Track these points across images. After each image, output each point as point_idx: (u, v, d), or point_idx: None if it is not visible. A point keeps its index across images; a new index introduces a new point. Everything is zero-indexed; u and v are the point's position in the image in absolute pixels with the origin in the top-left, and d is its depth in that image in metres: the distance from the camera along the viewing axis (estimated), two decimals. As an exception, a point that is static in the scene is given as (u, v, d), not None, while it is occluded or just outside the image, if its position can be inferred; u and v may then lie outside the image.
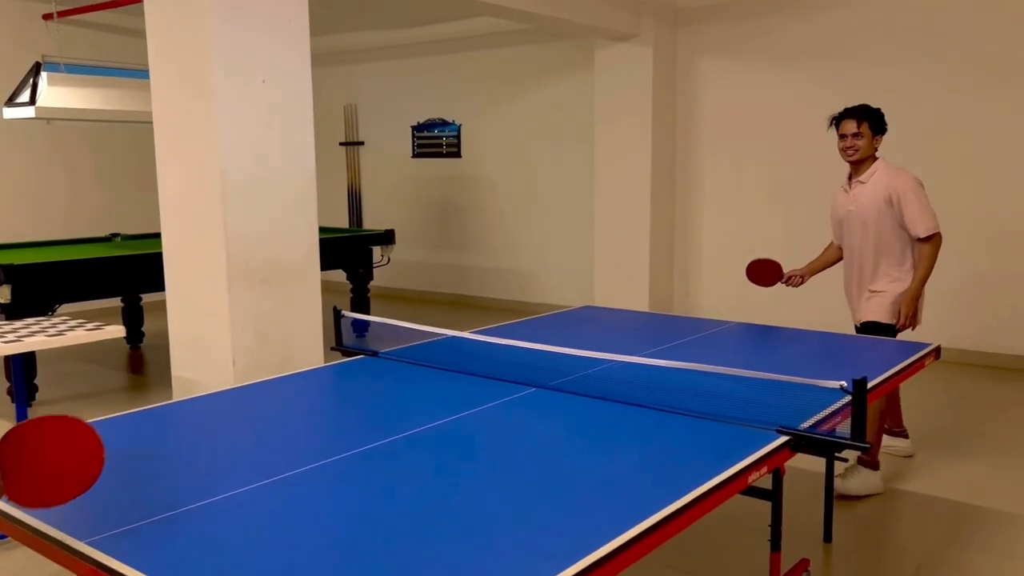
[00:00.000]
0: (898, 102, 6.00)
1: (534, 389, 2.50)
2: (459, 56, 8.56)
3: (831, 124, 3.82)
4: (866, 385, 2.07)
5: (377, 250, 6.83)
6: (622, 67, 6.95)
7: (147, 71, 4.05)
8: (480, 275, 8.76)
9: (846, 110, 3.78)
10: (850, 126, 3.72)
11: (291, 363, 3.96)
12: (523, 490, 1.76)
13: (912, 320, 3.70)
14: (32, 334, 3.71)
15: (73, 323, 3.99)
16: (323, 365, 2.86)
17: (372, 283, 6.88)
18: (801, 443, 2.08)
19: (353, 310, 6.28)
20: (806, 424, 2.14)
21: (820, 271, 4.06)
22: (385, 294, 8.97)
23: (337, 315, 3.01)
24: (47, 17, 7.17)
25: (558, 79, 7.92)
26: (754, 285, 4.02)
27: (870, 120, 3.72)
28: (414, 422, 2.20)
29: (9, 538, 3.02)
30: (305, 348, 4.20)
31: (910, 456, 4.06)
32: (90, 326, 3.90)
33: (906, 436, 4.09)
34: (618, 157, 7.07)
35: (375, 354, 2.95)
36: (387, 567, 1.42)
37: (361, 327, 6.23)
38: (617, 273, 7.17)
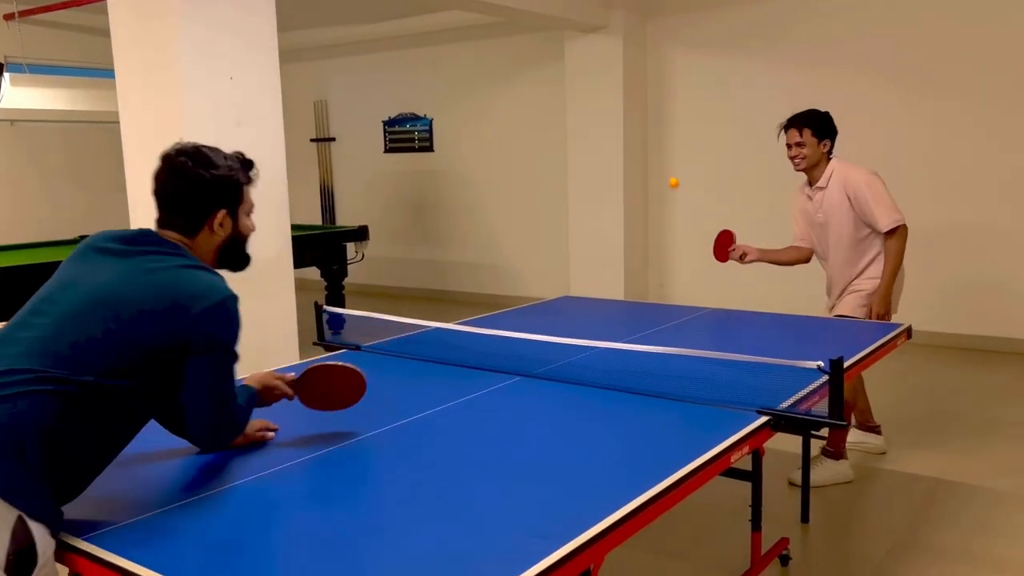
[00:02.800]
0: (871, 88, 6.11)
1: (519, 378, 2.53)
2: (429, 50, 8.54)
3: (779, 133, 3.76)
4: (843, 364, 2.12)
5: (351, 246, 6.81)
6: (592, 58, 6.98)
7: (112, 70, 4.00)
8: (455, 269, 8.76)
9: (788, 119, 3.73)
10: (792, 135, 3.68)
11: (266, 361, 3.92)
12: (511, 475, 1.79)
13: (885, 317, 3.66)
14: (5, 338, 3.66)
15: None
16: (308, 359, 2.86)
17: (347, 280, 6.85)
18: (780, 423, 2.12)
19: (329, 307, 6.25)
20: (785, 404, 2.18)
21: (769, 262, 3.97)
22: (360, 291, 8.94)
23: (319, 310, 3.01)
24: (8, 17, 7.04)
25: (529, 72, 7.94)
26: (722, 261, 3.95)
27: (812, 126, 3.65)
28: (401, 413, 2.22)
29: None
30: (280, 345, 4.18)
31: (883, 453, 3.98)
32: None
33: (878, 432, 4.03)
34: (590, 148, 7.10)
35: (358, 348, 2.96)
36: (380, 552, 1.44)
37: (337, 323, 6.21)
38: (592, 264, 7.21)
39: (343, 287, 6.80)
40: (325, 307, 3.00)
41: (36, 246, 6.39)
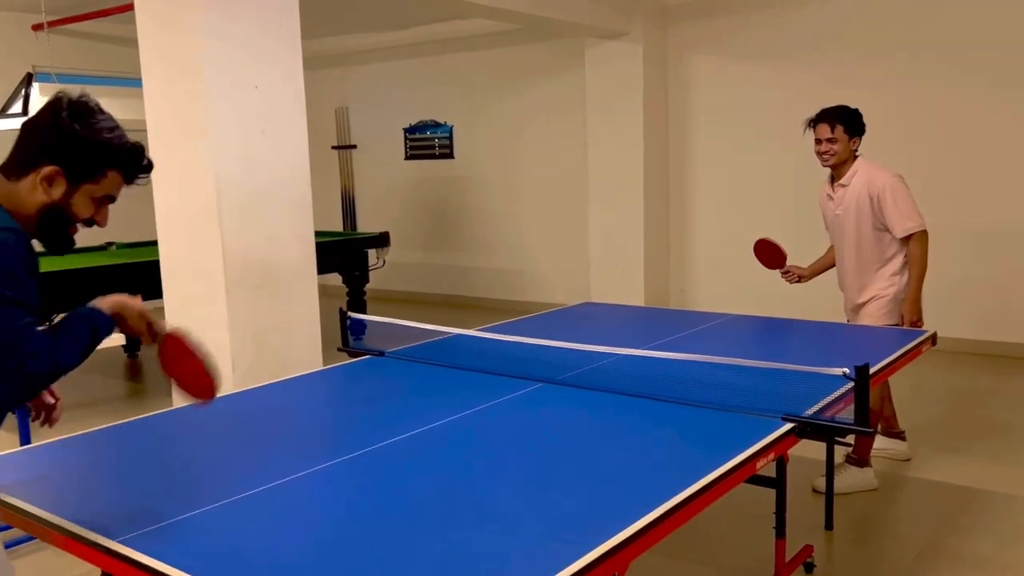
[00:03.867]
0: (891, 96, 6.07)
1: (541, 384, 2.54)
2: (450, 57, 8.59)
3: (807, 128, 3.71)
4: (868, 371, 2.11)
5: (372, 253, 6.85)
6: (613, 65, 6.99)
7: (139, 79, 4.06)
8: (475, 275, 8.78)
9: (820, 113, 3.67)
10: (824, 130, 3.62)
11: (290, 367, 3.97)
12: (536, 480, 1.79)
13: (917, 323, 3.62)
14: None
15: (74, 331, 3.99)
16: (333, 365, 2.88)
17: (368, 286, 6.89)
18: (806, 429, 2.12)
19: (350, 313, 6.28)
20: (810, 411, 2.17)
21: (820, 273, 4.00)
22: (381, 296, 8.98)
23: (344, 316, 3.03)
24: (37, 27, 7.16)
25: (549, 78, 7.96)
26: (759, 263, 3.95)
27: (845, 123, 3.59)
28: (427, 418, 2.23)
29: (37, 539, 3.04)
30: (304, 351, 4.21)
31: (908, 460, 3.95)
32: (91, 334, 3.91)
33: (903, 438, 4.00)
34: (611, 154, 7.11)
35: (382, 354, 2.98)
36: (408, 556, 1.45)
37: (359, 328, 6.25)
38: (612, 270, 7.21)
39: (364, 293, 6.84)
40: (350, 313, 3.02)
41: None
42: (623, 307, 4.32)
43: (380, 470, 1.89)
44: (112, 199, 1.67)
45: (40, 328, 1.52)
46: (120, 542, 1.49)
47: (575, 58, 7.45)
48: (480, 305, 8.59)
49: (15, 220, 1.56)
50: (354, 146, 9.58)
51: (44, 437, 2.20)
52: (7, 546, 3.35)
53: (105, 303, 1.66)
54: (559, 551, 1.43)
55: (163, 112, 4.00)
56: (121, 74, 5.88)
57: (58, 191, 1.59)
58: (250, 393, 2.66)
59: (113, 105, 5.74)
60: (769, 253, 3.93)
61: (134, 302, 1.69)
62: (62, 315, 1.60)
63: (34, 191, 1.58)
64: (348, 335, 3.05)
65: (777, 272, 3.99)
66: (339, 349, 3.09)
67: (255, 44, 3.92)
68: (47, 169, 1.57)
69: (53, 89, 5.51)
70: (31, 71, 5.51)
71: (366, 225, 9.44)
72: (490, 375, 2.65)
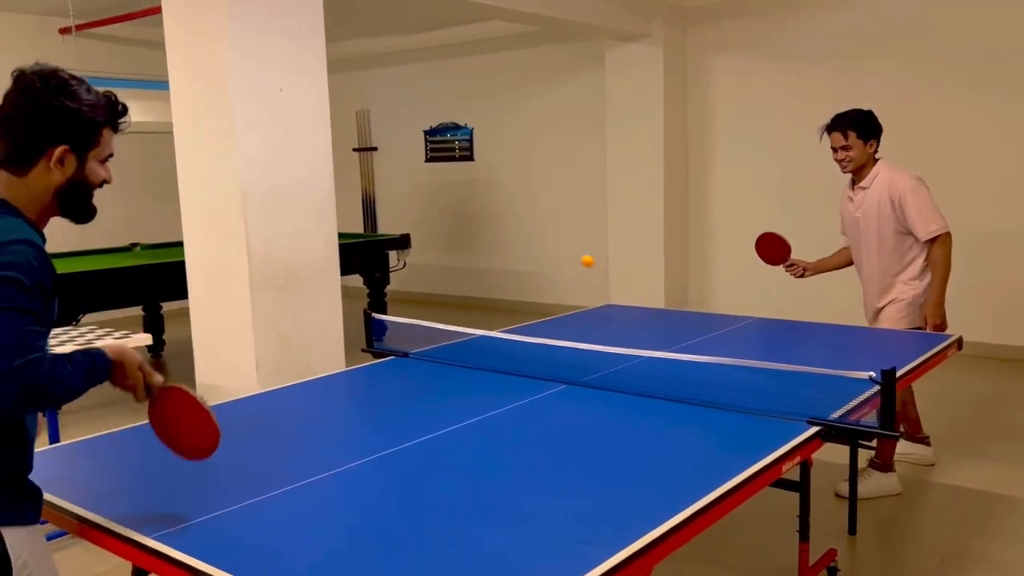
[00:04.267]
0: (910, 99, 6.03)
1: (565, 386, 2.54)
2: (470, 60, 8.61)
3: (822, 135, 3.71)
4: (895, 375, 2.10)
5: (393, 254, 6.88)
6: (633, 67, 6.99)
7: (164, 82, 4.10)
8: (494, 277, 8.80)
9: (831, 121, 3.66)
10: (837, 139, 3.62)
11: (314, 368, 4.00)
12: (562, 482, 1.80)
13: (941, 326, 3.59)
14: (61, 344, 3.77)
15: (101, 332, 4.05)
16: (359, 366, 2.90)
17: (388, 287, 6.92)
18: (831, 433, 2.11)
19: (371, 314, 6.32)
20: (835, 415, 2.17)
21: (825, 271, 3.99)
22: (400, 298, 9.01)
23: (368, 317, 3.06)
24: (64, 31, 7.25)
25: (569, 81, 7.96)
26: (760, 260, 3.95)
27: (857, 128, 3.58)
28: (453, 419, 2.25)
29: (68, 535, 3.09)
30: (327, 353, 4.24)
31: (931, 464, 3.92)
32: (118, 334, 3.96)
33: (927, 443, 3.97)
34: (631, 156, 7.10)
35: (405, 355, 3.00)
36: (435, 554, 1.46)
37: (381, 330, 6.28)
38: (631, 272, 7.20)
39: (385, 294, 6.87)
40: (374, 314, 3.04)
41: (85, 254, 6.56)
42: (645, 309, 4.32)
43: (408, 469, 1.91)
44: (112, 155, 1.68)
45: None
46: (154, 538, 1.51)
47: (595, 60, 7.45)
48: (499, 307, 8.61)
49: (33, 224, 1.58)
50: (375, 148, 9.62)
51: (71, 436, 2.23)
52: (53, 537, 3.40)
53: (109, 347, 1.66)
54: (585, 553, 1.44)
55: (190, 114, 4.04)
56: (147, 76, 5.95)
57: (71, 167, 1.60)
58: (276, 393, 2.68)
59: (140, 107, 5.81)
60: (772, 247, 3.91)
61: (135, 354, 1.68)
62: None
63: (48, 176, 1.59)
64: (372, 336, 3.07)
65: (791, 275, 3.97)
66: (363, 350, 3.11)
67: (281, 47, 3.95)
68: (57, 151, 1.57)
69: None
70: (59, 74, 5.58)
71: (386, 227, 9.48)
72: (514, 376, 2.66)
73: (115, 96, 1.66)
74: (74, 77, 1.61)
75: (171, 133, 4.12)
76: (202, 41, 3.90)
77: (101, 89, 1.66)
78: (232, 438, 2.22)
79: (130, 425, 2.32)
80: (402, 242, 6.87)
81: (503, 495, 1.73)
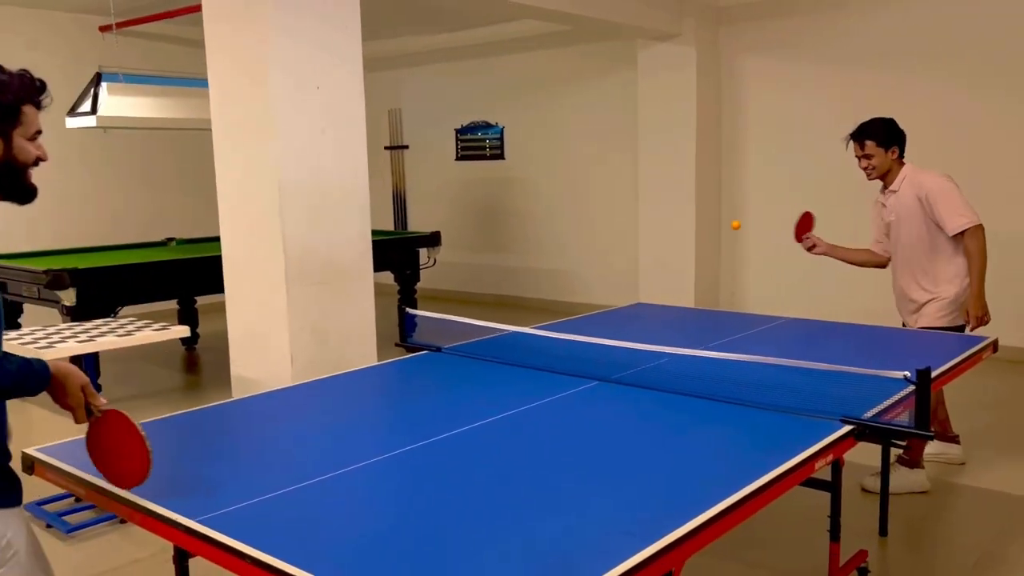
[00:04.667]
0: (947, 103, 5.96)
1: (596, 382, 2.56)
2: (502, 59, 8.65)
3: (847, 145, 3.81)
4: (930, 375, 2.10)
5: (424, 252, 6.93)
6: (665, 67, 6.98)
7: (202, 79, 4.18)
8: (524, 276, 8.83)
9: (854, 131, 3.76)
10: (856, 148, 3.74)
11: (347, 361, 4.06)
12: (593, 476, 1.82)
13: (984, 319, 3.61)
14: (102, 335, 3.86)
15: (140, 324, 4.13)
16: (393, 360, 2.94)
17: (418, 284, 6.97)
18: (864, 432, 2.11)
19: (402, 310, 6.37)
20: (868, 414, 2.17)
21: (838, 258, 4.06)
22: (430, 295, 9.07)
23: (402, 312, 3.10)
24: (104, 29, 7.39)
25: (601, 80, 7.97)
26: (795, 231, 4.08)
27: (875, 137, 3.68)
28: (487, 411, 2.28)
29: (118, 518, 3.17)
30: (360, 347, 4.30)
31: (962, 463, 3.93)
32: (156, 326, 4.04)
33: (957, 442, 3.97)
34: (663, 156, 7.09)
35: (438, 349, 3.04)
36: (470, 544, 1.49)
37: (412, 325, 6.34)
38: (662, 271, 7.19)
39: (415, 291, 6.93)
40: (408, 310, 3.08)
41: (122, 248, 6.69)
42: (676, 308, 4.32)
43: (446, 459, 1.94)
44: (40, 131, 1.65)
45: None
46: (199, 522, 1.55)
47: (627, 60, 7.45)
48: (528, 305, 8.64)
49: None
50: (406, 146, 9.69)
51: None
52: (89, 524, 3.49)
53: (54, 364, 1.65)
54: (621, 543, 1.46)
55: (229, 111, 4.12)
56: (186, 74, 6.05)
57: None
58: (312, 385, 2.73)
59: (179, 104, 5.92)
60: (801, 226, 4.07)
61: (80, 374, 1.68)
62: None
63: None
64: (406, 331, 3.11)
65: (803, 247, 4.08)
66: (396, 344, 3.15)
67: (319, 46, 4.01)
68: None
69: (120, 89, 5.70)
70: (99, 71, 5.69)
71: (416, 225, 9.55)
72: (547, 372, 2.69)
73: (29, 73, 1.63)
74: None
75: (206, 130, 4.20)
76: (242, 40, 3.97)
77: (15, 69, 1.63)
78: (269, 427, 2.27)
79: (168, 415, 2.37)
80: (432, 239, 6.92)
81: (539, 485, 1.76)
